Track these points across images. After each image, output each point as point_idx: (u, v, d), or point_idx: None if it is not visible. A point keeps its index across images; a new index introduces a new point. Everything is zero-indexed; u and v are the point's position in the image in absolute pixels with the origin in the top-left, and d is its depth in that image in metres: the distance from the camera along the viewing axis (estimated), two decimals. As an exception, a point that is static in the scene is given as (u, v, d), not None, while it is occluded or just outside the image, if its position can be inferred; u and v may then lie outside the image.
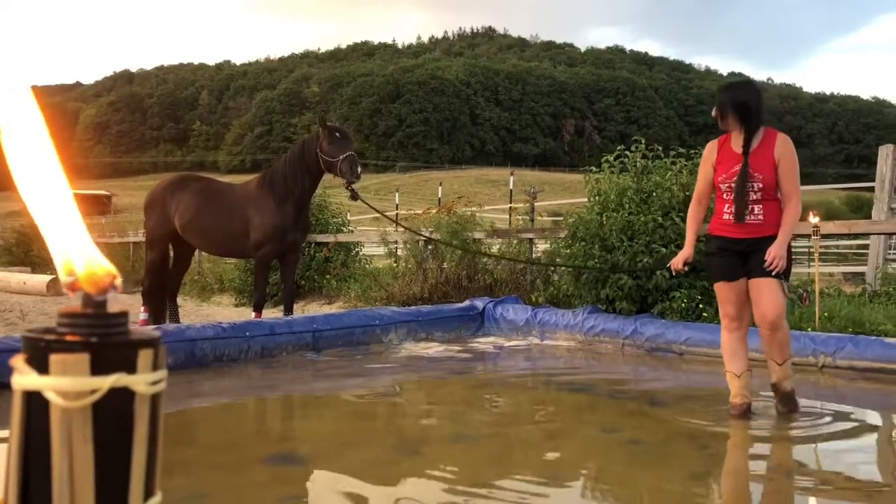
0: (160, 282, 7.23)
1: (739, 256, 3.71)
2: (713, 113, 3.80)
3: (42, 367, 0.50)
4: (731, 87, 3.89)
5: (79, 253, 0.52)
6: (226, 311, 10.03)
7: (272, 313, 7.97)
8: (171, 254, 7.42)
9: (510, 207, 15.02)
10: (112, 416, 0.50)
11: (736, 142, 3.72)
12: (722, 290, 3.82)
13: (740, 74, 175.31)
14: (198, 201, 6.78)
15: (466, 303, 7.32)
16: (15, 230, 20.02)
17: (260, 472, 2.97)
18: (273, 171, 6.79)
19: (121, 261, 17.45)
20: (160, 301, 7.27)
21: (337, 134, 6.42)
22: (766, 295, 3.62)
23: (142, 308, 7.22)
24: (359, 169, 6.34)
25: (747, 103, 3.68)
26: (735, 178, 3.65)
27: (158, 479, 0.53)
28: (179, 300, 10.75)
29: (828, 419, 3.72)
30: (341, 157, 6.28)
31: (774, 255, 3.58)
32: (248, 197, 6.67)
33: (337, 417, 4.19)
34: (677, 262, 4.05)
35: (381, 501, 2.63)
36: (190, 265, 8.20)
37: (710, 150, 3.87)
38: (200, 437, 3.75)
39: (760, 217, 3.64)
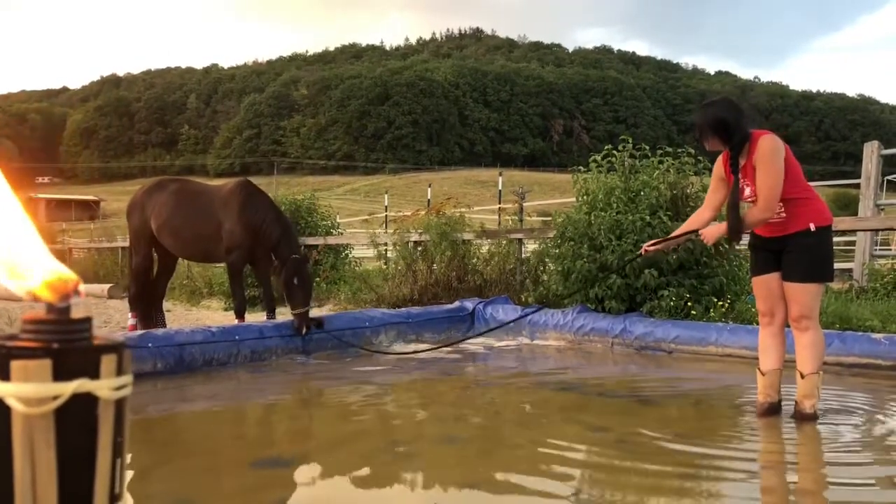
0: (147, 287, 7.19)
1: (773, 254, 3.66)
2: (696, 134, 3.72)
3: (3, 374, 0.49)
4: (707, 107, 3.74)
5: (35, 261, 0.52)
6: (215, 315, 9.99)
7: (257, 317, 7.93)
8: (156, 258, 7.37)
9: (499, 208, 15.03)
10: (75, 421, 0.50)
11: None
12: (753, 284, 3.84)
13: (727, 73, 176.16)
14: (172, 202, 6.77)
15: (456, 304, 7.32)
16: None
17: (249, 476, 2.96)
18: (252, 203, 6.48)
19: (110, 266, 17.37)
20: (148, 306, 7.23)
21: (295, 281, 5.99)
22: (790, 294, 3.61)
23: (130, 314, 7.18)
24: (304, 332, 5.91)
25: (725, 120, 3.58)
26: (729, 196, 3.65)
27: (124, 484, 0.53)
28: (169, 304, 10.72)
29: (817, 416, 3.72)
30: (294, 312, 5.95)
31: (704, 232, 3.78)
32: (222, 201, 6.62)
33: (327, 420, 4.18)
34: (647, 244, 4.14)
35: (372, 503, 2.63)
36: (175, 270, 8.12)
37: (719, 164, 3.81)
38: (190, 441, 3.73)
39: (783, 215, 3.56)
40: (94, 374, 0.52)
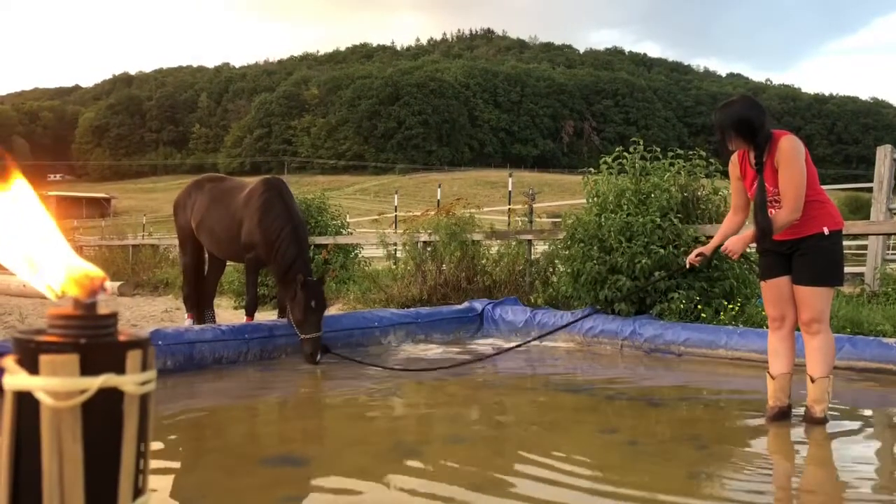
0: (199, 285, 7.17)
1: (783, 257, 3.64)
2: (717, 136, 3.67)
3: (32, 368, 0.50)
4: (729, 106, 3.67)
5: (61, 263, 0.53)
6: (225, 314, 10.01)
7: (267, 316, 7.94)
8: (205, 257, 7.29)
9: (509, 209, 15.03)
10: (101, 415, 0.51)
11: (751, 157, 3.65)
12: (762, 289, 3.82)
13: (739, 76, 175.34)
14: (207, 201, 6.72)
15: (465, 304, 7.32)
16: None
17: (259, 474, 2.97)
18: (273, 209, 6.17)
19: (121, 264, 17.45)
20: (202, 304, 7.17)
21: (312, 304, 5.62)
22: (801, 298, 3.59)
23: (186, 315, 7.16)
24: (319, 357, 5.58)
25: (749, 119, 3.54)
26: (755, 196, 3.61)
27: (147, 478, 0.54)
28: (178, 303, 10.76)
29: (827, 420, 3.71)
30: (303, 337, 5.57)
31: (728, 246, 3.73)
32: (244, 199, 6.48)
33: (336, 419, 4.19)
34: (691, 256, 4.09)
35: (380, 503, 2.63)
36: (224, 268, 7.93)
37: (733, 164, 3.79)
38: (200, 438, 3.75)
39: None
40: (120, 370, 0.53)
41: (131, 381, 0.54)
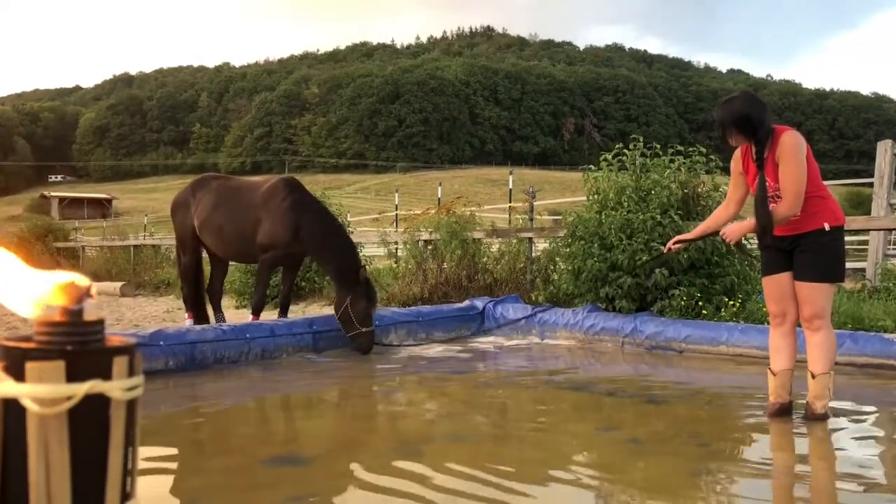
0: (198, 285, 7.13)
1: (785, 253, 3.64)
2: (718, 132, 3.67)
3: (19, 375, 0.51)
4: (729, 103, 3.65)
5: (37, 283, 0.53)
6: (226, 314, 10.01)
7: (271, 315, 7.95)
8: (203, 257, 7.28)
9: (510, 207, 15.02)
10: (88, 421, 0.51)
11: (753, 152, 3.64)
12: (764, 284, 3.82)
13: (740, 72, 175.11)
14: (214, 199, 6.62)
15: (466, 303, 7.32)
16: (15, 234, 20.04)
17: (261, 474, 2.98)
18: (303, 210, 6.20)
19: (122, 264, 17.48)
20: (202, 305, 7.12)
21: (373, 295, 5.97)
22: (802, 294, 3.59)
23: (186, 315, 7.13)
24: (371, 349, 5.86)
25: (749, 116, 3.54)
26: (756, 191, 3.61)
27: (136, 483, 0.54)
28: (180, 303, 10.76)
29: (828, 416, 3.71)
30: (363, 330, 5.83)
31: (725, 231, 3.76)
32: (262, 198, 6.37)
33: (338, 418, 4.20)
34: (669, 242, 4.12)
35: (383, 502, 2.64)
36: (227, 270, 7.80)
37: (736, 159, 3.78)
38: (202, 439, 3.75)
39: (798, 213, 3.52)
40: (107, 376, 0.53)
41: (118, 387, 0.54)
